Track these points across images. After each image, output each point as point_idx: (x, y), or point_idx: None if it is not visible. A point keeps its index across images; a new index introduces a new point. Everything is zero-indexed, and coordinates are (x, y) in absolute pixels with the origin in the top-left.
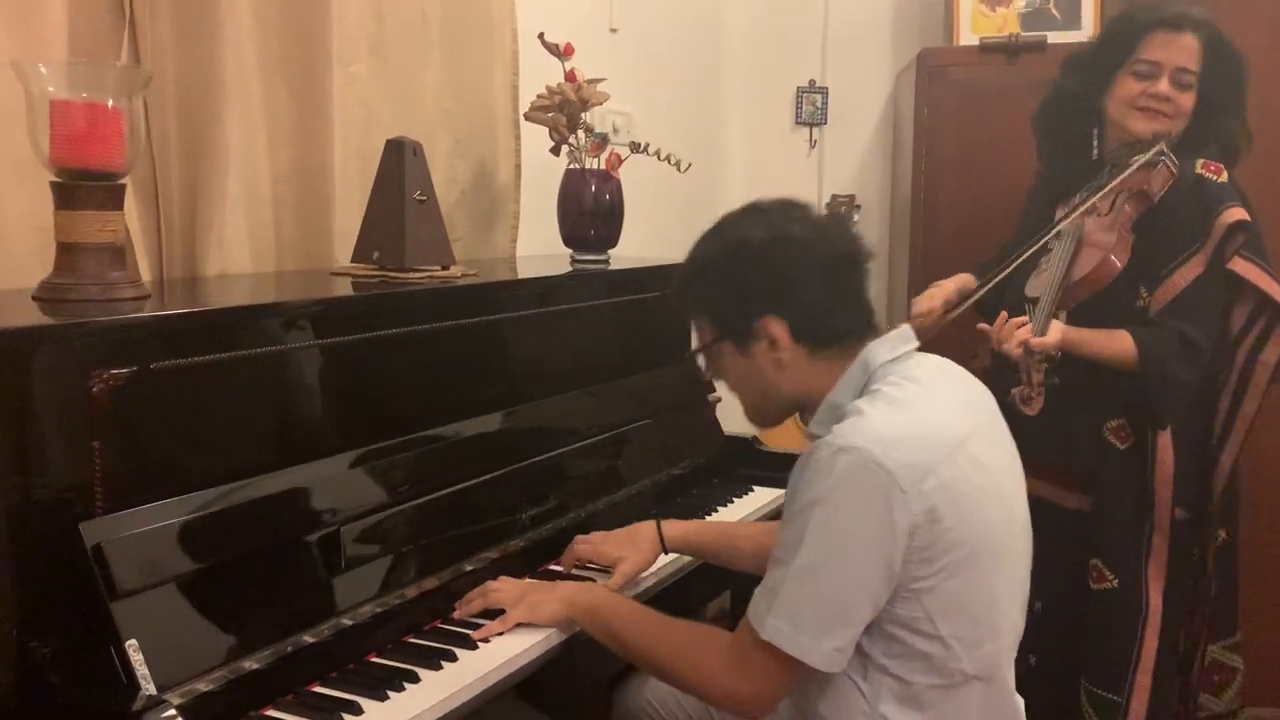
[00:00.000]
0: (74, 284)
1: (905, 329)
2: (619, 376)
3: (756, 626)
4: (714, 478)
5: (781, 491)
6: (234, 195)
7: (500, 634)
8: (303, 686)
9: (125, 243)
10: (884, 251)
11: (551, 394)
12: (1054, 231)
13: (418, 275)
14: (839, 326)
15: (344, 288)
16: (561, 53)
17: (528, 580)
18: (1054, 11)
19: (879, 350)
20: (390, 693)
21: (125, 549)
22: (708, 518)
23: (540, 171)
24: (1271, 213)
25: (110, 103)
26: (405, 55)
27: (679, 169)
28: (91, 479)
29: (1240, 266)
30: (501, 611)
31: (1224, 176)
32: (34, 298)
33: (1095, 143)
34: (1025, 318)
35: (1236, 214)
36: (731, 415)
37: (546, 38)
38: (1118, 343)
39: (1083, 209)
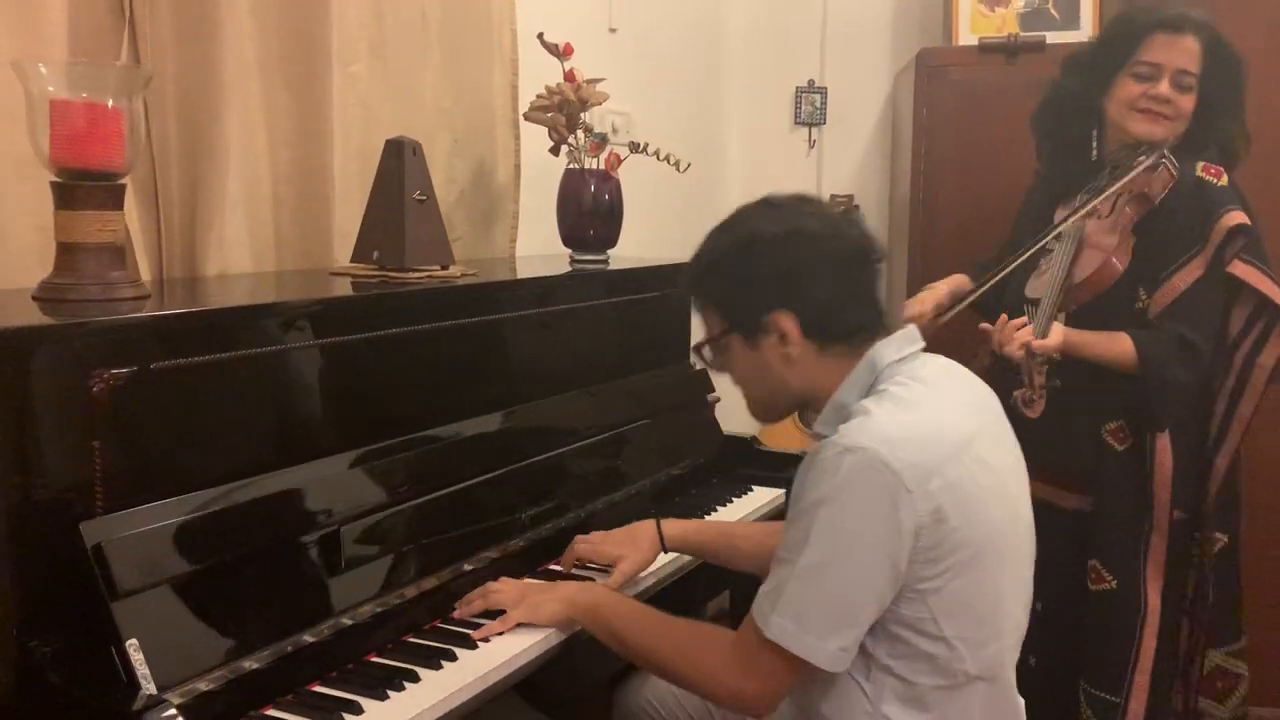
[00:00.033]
0: (74, 284)
1: (912, 329)
2: (618, 376)
3: (761, 625)
4: (713, 477)
5: (780, 491)
6: (234, 195)
7: (500, 634)
8: (303, 686)
9: (125, 242)
10: None
11: (551, 394)
12: (1054, 233)
13: (417, 275)
14: (849, 323)
15: (344, 288)
16: (561, 53)
17: (528, 581)
18: (1053, 12)
19: (886, 350)
20: (390, 692)
21: (125, 549)
22: (707, 517)
23: (539, 171)
24: (1270, 214)
25: (110, 102)
26: (405, 55)
27: (678, 169)
28: (92, 479)
29: (1240, 270)
30: (502, 612)
31: (1224, 180)
32: (34, 298)
33: (1094, 143)
34: (1025, 319)
35: (1237, 218)
36: (730, 415)
37: (546, 38)
38: (1118, 345)
39: (1084, 211)
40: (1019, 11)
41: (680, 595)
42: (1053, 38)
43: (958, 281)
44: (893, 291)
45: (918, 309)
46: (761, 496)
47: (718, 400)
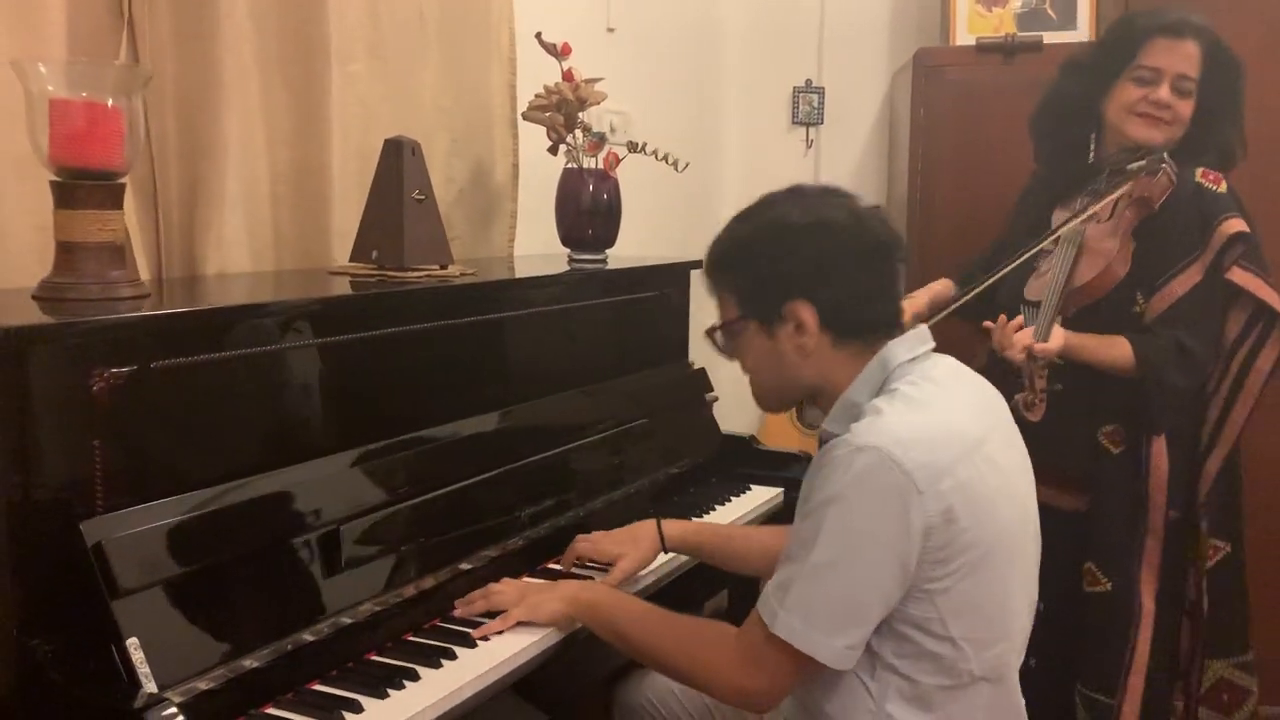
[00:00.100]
0: (73, 283)
1: (923, 329)
2: (617, 376)
3: (767, 621)
4: (711, 476)
5: (778, 490)
6: (233, 194)
7: (500, 632)
8: (303, 684)
9: (124, 242)
10: None
11: (550, 393)
12: (1052, 237)
13: (416, 274)
14: (867, 319)
15: (343, 287)
16: (559, 52)
17: (530, 580)
18: (1050, 12)
19: (897, 350)
20: (390, 691)
21: (125, 547)
22: (705, 516)
23: (538, 171)
24: (1268, 214)
25: (110, 102)
26: (403, 55)
27: (676, 169)
28: (92, 477)
29: (1239, 276)
30: (503, 612)
31: (1223, 186)
32: (34, 297)
33: (1092, 146)
34: (1022, 319)
35: (1236, 225)
36: (729, 415)
37: (544, 37)
38: (1116, 349)
39: (1084, 216)
40: (1016, 12)
41: (679, 594)
42: (1050, 38)
43: (939, 289)
44: None
45: None
46: (760, 495)
47: (716, 400)
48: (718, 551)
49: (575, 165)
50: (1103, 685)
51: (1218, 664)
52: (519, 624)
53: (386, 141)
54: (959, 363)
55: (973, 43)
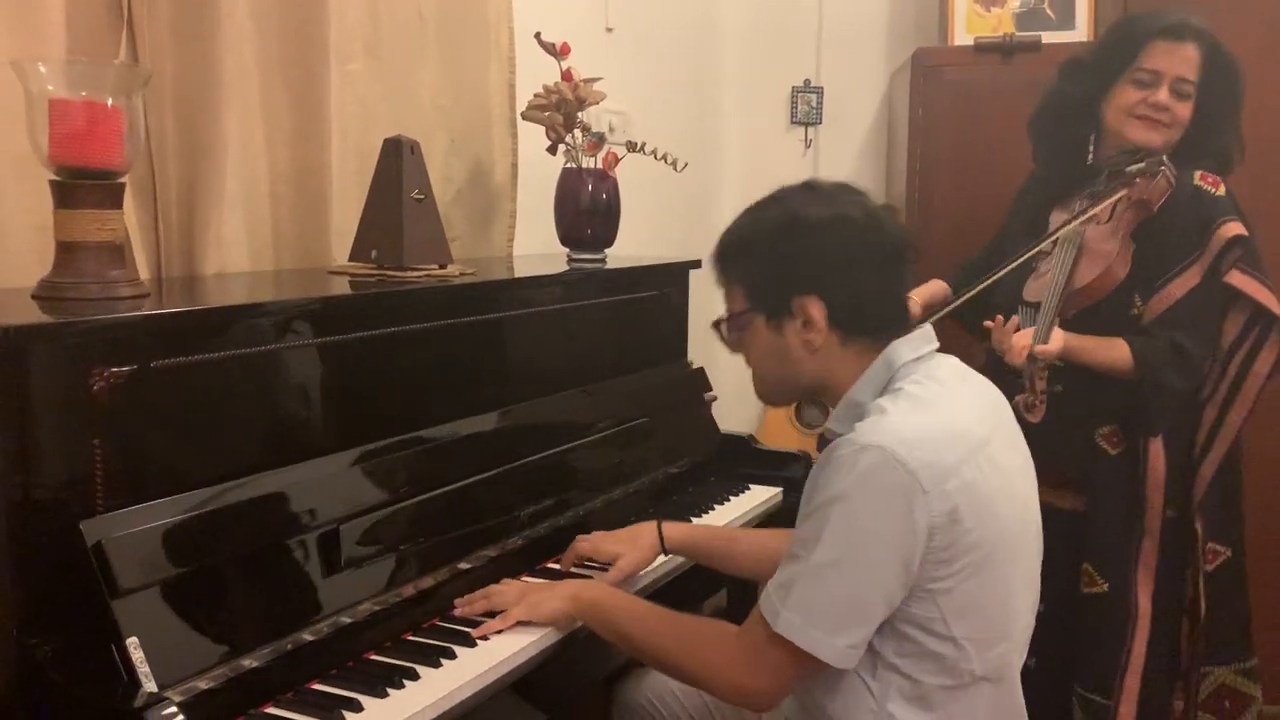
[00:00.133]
0: (73, 283)
1: (928, 329)
2: (616, 375)
3: (769, 620)
4: (710, 476)
5: (777, 490)
6: (232, 194)
7: (500, 632)
8: (303, 684)
9: (124, 241)
10: None
11: (549, 393)
12: (1051, 238)
13: (415, 274)
14: (876, 317)
15: (342, 286)
16: (558, 52)
17: (530, 580)
18: (1048, 12)
19: (902, 349)
20: (390, 690)
21: (125, 547)
22: (704, 515)
23: (537, 170)
24: (1266, 215)
25: (109, 101)
26: (402, 54)
27: (675, 168)
28: (92, 477)
29: (1237, 280)
30: (503, 611)
31: (1221, 189)
32: (33, 296)
33: (1091, 148)
34: (1020, 321)
35: (1235, 229)
36: (728, 414)
37: (543, 37)
38: (1115, 350)
39: (1084, 218)
40: (1014, 11)
41: (678, 593)
42: (1048, 38)
43: (933, 290)
44: None
45: None
46: (759, 495)
47: (715, 399)
48: (718, 554)
49: (574, 165)
50: (1099, 686)
51: (1220, 671)
52: (519, 623)
53: (386, 141)
54: (963, 363)
55: (971, 43)
